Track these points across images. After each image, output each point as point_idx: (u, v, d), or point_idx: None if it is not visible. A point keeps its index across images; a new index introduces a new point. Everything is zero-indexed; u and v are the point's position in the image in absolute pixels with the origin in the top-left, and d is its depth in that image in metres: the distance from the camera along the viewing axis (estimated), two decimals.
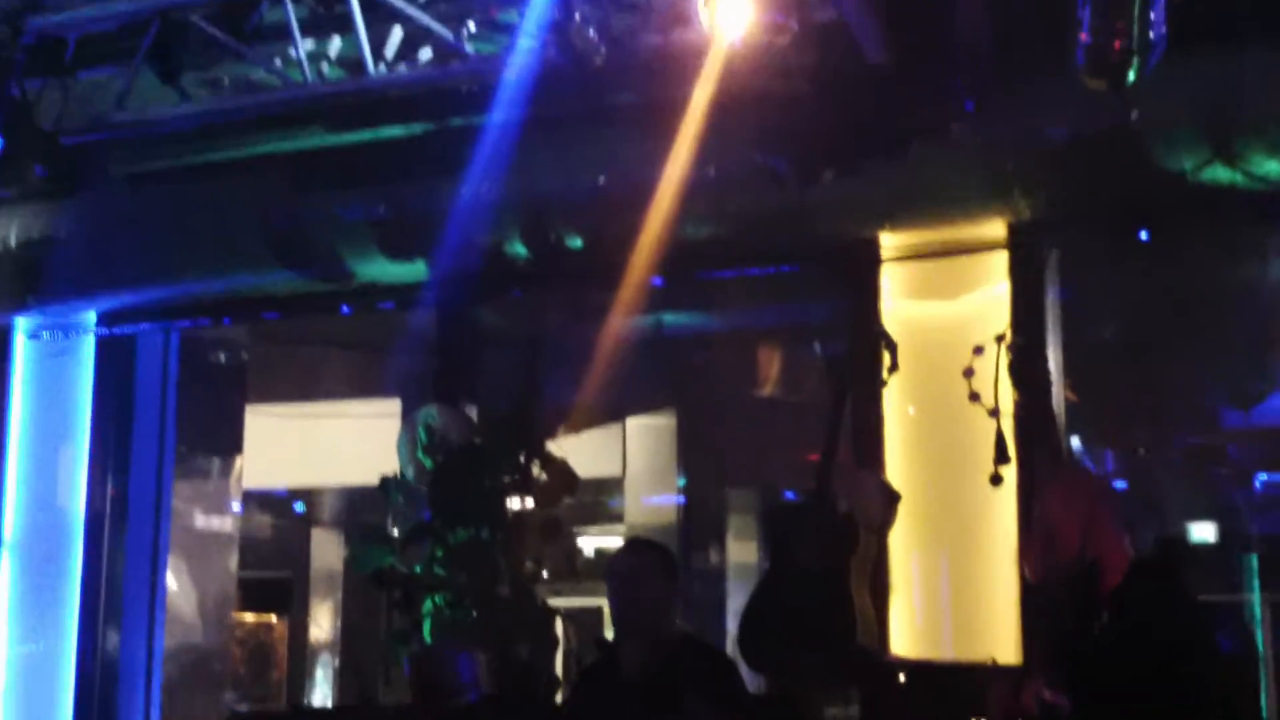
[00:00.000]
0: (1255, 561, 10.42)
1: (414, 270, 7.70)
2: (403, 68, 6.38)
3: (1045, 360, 6.81)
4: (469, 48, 6.23)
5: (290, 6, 6.24)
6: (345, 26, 6.31)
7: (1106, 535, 4.87)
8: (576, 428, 10.18)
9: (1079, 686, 4.79)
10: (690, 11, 5.53)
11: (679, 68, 5.85)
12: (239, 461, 10.12)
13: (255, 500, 13.62)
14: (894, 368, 6.68)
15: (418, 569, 7.99)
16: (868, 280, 7.24)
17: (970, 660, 6.48)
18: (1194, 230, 6.95)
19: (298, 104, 6.53)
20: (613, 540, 12.66)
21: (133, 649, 8.94)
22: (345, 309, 8.37)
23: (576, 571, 12.85)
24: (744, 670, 5.70)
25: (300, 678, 14.21)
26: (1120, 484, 10.96)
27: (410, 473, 8.24)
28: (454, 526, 7.94)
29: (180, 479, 9.48)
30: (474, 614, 7.81)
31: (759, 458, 11.44)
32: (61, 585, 8.90)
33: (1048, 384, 6.72)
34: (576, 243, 7.24)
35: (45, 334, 8.94)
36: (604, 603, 5.13)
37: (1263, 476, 10.79)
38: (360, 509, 12.56)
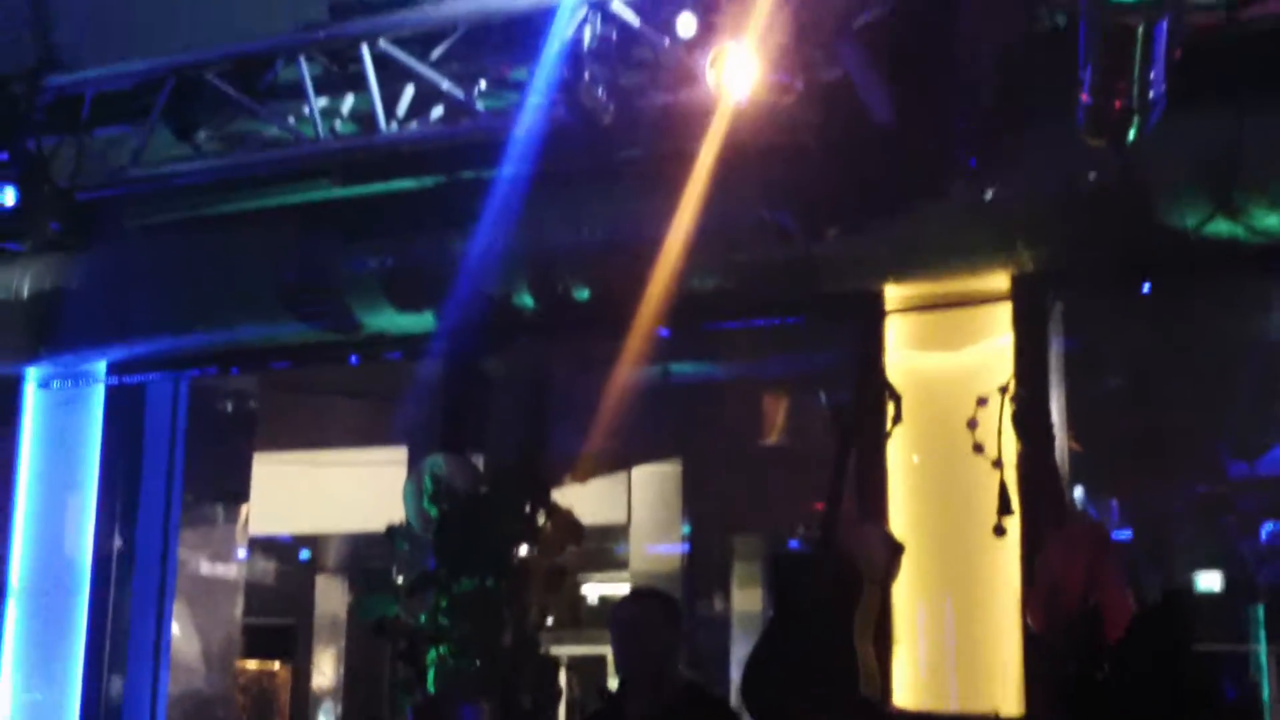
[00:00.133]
0: (1261, 612, 10.40)
1: (422, 321, 7.75)
2: (414, 125, 6.45)
3: (1048, 412, 6.83)
4: (480, 105, 6.31)
5: (305, 65, 6.33)
6: (358, 85, 6.40)
7: (1109, 586, 4.89)
8: (583, 476, 10.21)
9: None
10: (698, 70, 5.60)
11: (686, 125, 5.92)
12: (245, 509, 10.16)
13: (261, 546, 13.64)
14: (898, 419, 6.70)
15: (422, 618, 7.99)
16: (872, 331, 7.28)
17: (974, 712, 6.50)
18: (1197, 283, 6.98)
19: (310, 160, 6.60)
20: (617, 587, 12.68)
21: (137, 696, 8.96)
22: (353, 359, 8.42)
23: (580, 619, 12.90)
24: None
25: None
26: (1125, 533, 10.99)
27: (416, 522, 8.25)
28: (459, 576, 7.94)
29: (187, 526, 9.51)
30: (478, 664, 7.80)
31: (764, 506, 11.46)
32: (67, 632, 8.93)
33: (1051, 435, 6.73)
34: (583, 294, 7.29)
35: (55, 383, 8.98)
36: (608, 651, 5.15)
37: (1269, 526, 10.77)
38: (366, 556, 12.59)
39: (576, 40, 5.76)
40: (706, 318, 7.69)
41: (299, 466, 11.94)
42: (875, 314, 7.28)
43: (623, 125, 5.85)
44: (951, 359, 7.13)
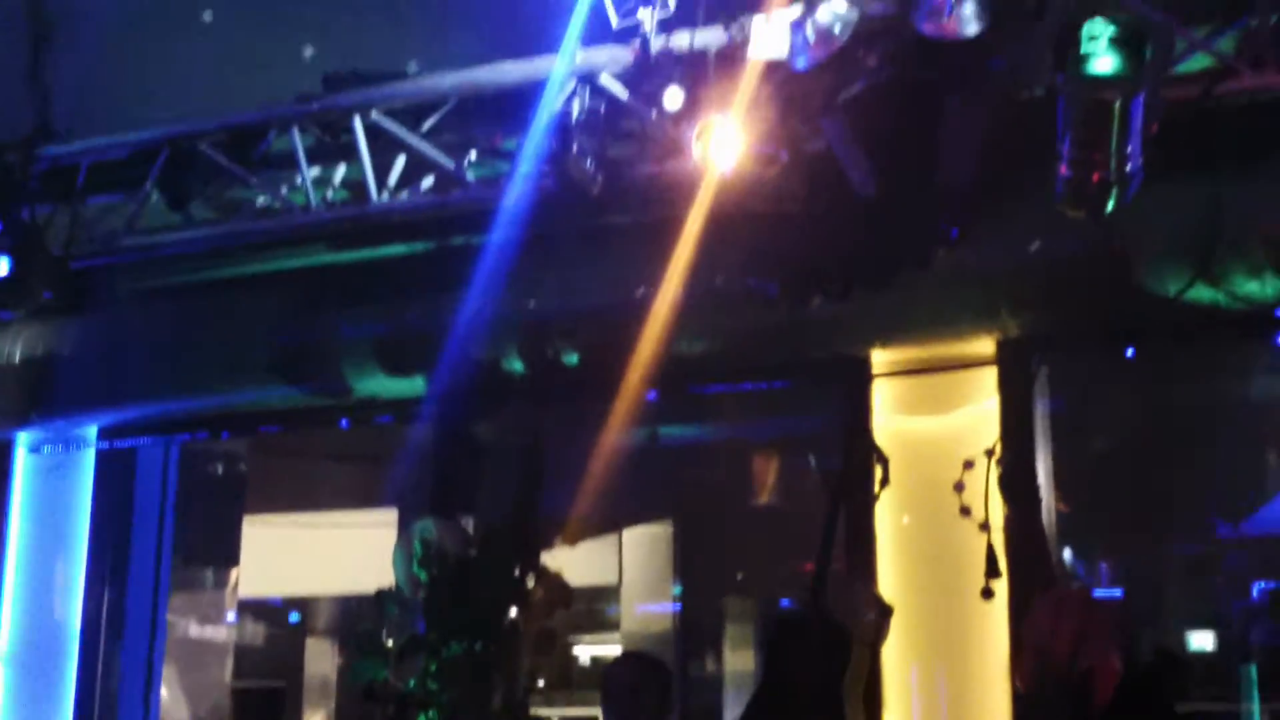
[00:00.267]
0: (1254, 671, 10.41)
1: (412, 385, 7.79)
2: (405, 194, 6.53)
3: (1034, 475, 6.90)
4: (470, 175, 6.39)
5: (298, 136, 6.41)
6: (350, 155, 6.47)
7: (1098, 650, 4.90)
8: (573, 539, 10.24)
9: None
10: (684, 142, 5.69)
11: (673, 194, 5.99)
12: (235, 573, 10.17)
13: (251, 609, 13.60)
14: (885, 482, 6.71)
15: (411, 683, 7.99)
16: (860, 395, 7.33)
17: None
18: (1181, 348, 7.04)
19: (302, 229, 6.67)
20: (609, 648, 12.67)
21: None
22: (344, 423, 8.46)
23: (571, 681, 12.86)
24: None
25: None
26: (1115, 593, 11.02)
27: (405, 585, 8.26)
28: (448, 640, 7.94)
29: (176, 590, 9.52)
30: None
31: (756, 567, 11.49)
32: (57, 695, 8.90)
33: (1037, 498, 6.79)
34: (573, 359, 7.34)
35: (46, 448, 9.01)
36: (599, 712, 5.17)
37: (1260, 585, 10.81)
38: (356, 618, 12.56)
39: (565, 112, 5.86)
40: (695, 381, 7.74)
41: (290, 528, 11.96)
42: (862, 378, 7.33)
43: (611, 195, 5.93)
44: (938, 422, 7.18)
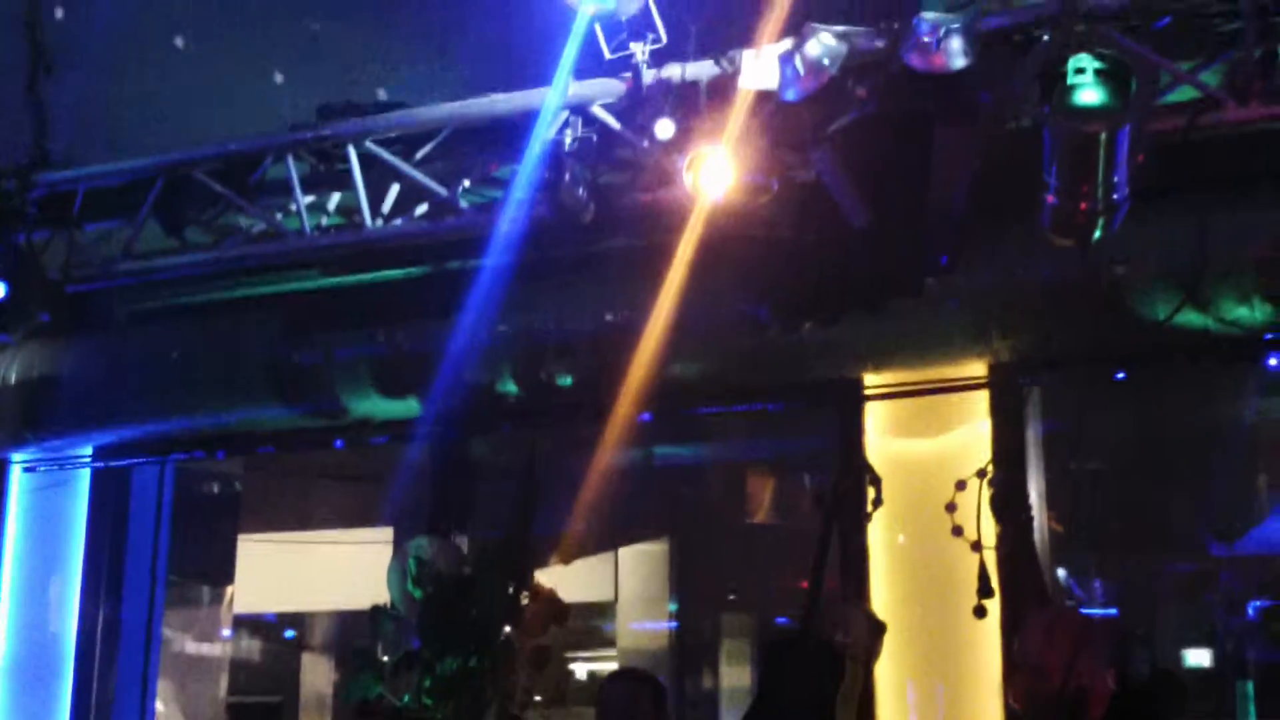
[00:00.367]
0: (1251, 688, 10.45)
1: (407, 407, 7.82)
2: (399, 221, 6.57)
3: (1026, 495, 6.94)
4: (463, 202, 6.44)
5: (292, 164, 6.46)
6: (344, 182, 6.52)
7: (1090, 669, 4.95)
8: (570, 557, 10.28)
9: None
10: (676, 171, 5.74)
11: (665, 221, 6.05)
12: (230, 590, 10.22)
13: (248, 625, 13.65)
14: (878, 502, 6.78)
15: (406, 698, 8.03)
16: (853, 417, 7.38)
17: None
18: (1172, 372, 7.09)
19: (296, 254, 6.71)
20: (605, 665, 12.71)
21: None
22: (339, 443, 8.50)
23: (568, 697, 12.89)
24: None
25: None
26: (1110, 611, 11.06)
27: (400, 603, 8.30)
28: (443, 656, 7.98)
29: (172, 607, 9.57)
30: None
31: (751, 584, 11.53)
32: (52, 710, 8.92)
33: (1029, 518, 6.84)
34: (567, 380, 7.38)
35: (42, 467, 9.04)
36: None
37: (1256, 603, 10.85)
38: (352, 634, 12.60)
39: (558, 141, 5.91)
40: (689, 403, 7.78)
41: (286, 546, 11.99)
42: (855, 400, 7.38)
43: (603, 221, 5.99)
44: (930, 444, 7.23)
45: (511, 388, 7.50)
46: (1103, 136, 5.09)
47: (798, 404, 7.71)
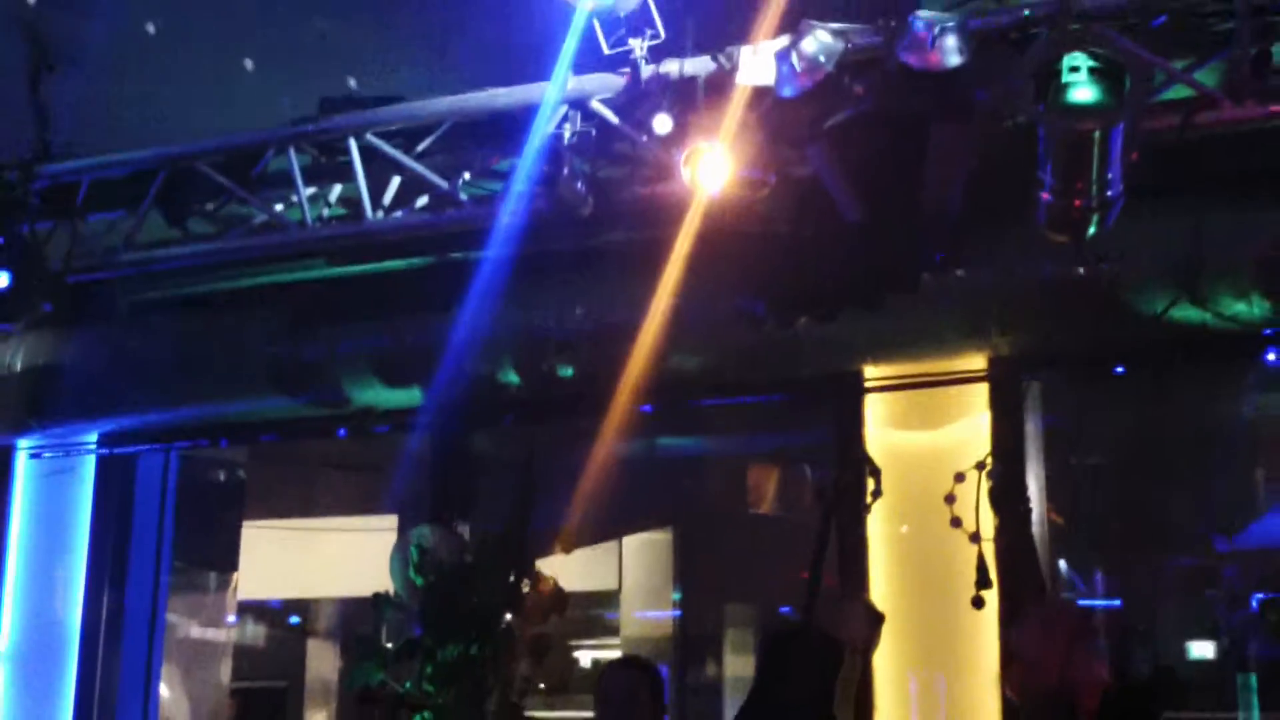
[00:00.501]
0: (1254, 681, 10.47)
1: (409, 396, 7.88)
2: (400, 213, 6.62)
3: (1025, 488, 6.97)
4: (463, 195, 6.48)
5: (294, 157, 6.50)
6: (346, 175, 6.56)
7: (1084, 661, 5.01)
8: (573, 546, 10.32)
9: None
10: (674, 166, 5.78)
11: (664, 215, 6.08)
12: (234, 576, 10.27)
13: (254, 611, 13.72)
14: (878, 494, 6.79)
15: (408, 684, 8.09)
16: (853, 410, 7.42)
17: None
18: (1171, 367, 7.11)
19: (298, 245, 6.76)
20: (609, 653, 12.75)
21: None
22: (342, 432, 8.55)
23: (571, 685, 12.94)
24: None
25: None
26: (1114, 604, 11.10)
27: (403, 590, 8.36)
28: (444, 643, 8.04)
29: (176, 593, 9.62)
30: None
31: (755, 574, 11.56)
32: (56, 695, 8.99)
33: (1027, 511, 6.86)
34: (568, 372, 7.42)
35: (47, 454, 9.10)
36: None
37: (1259, 597, 10.87)
38: (357, 620, 12.67)
39: (557, 136, 5.95)
40: (690, 395, 7.82)
41: (293, 533, 12.06)
42: (856, 393, 7.42)
43: (602, 215, 6.03)
44: (930, 436, 7.28)
45: (513, 379, 7.55)
46: (1096, 134, 5.12)
47: (798, 396, 7.75)
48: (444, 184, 6.46)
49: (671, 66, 5.96)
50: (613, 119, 6.03)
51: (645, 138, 5.94)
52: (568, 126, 5.99)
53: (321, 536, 12.22)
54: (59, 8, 6.03)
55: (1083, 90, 5.15)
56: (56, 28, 6.09)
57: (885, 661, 6.99)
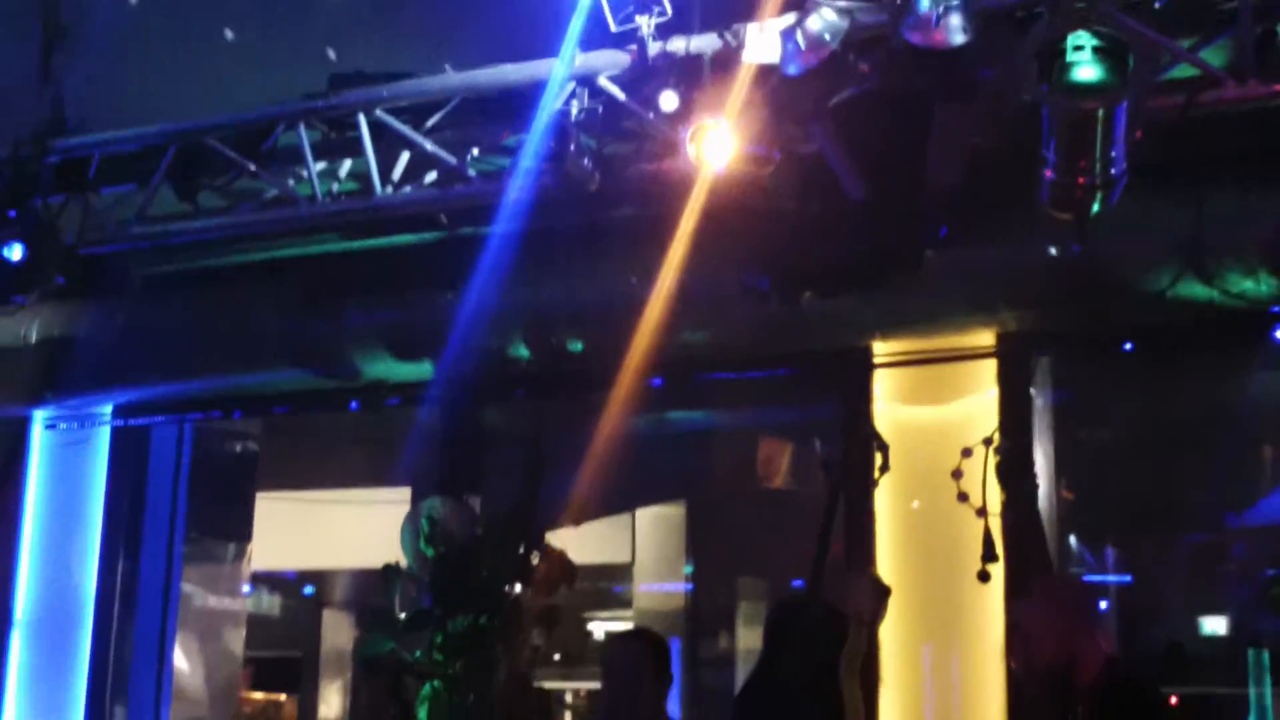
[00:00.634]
0: (1267, 657, 10.50)
1: (420, 370, 7.93)
2: (409, 188, 6.66)
3: (1032, 463, 7.01)
4: (471, 170, 6.52)
5: (304, 132, 6.54)
6: (355, 150, 6.60)
7: (1084, 634, 5.07)
8: (584, 519, 10.38)
9: None
10: (680, 142, 5.82)
11: (671, 192, 6.12)
12: (247, 547, 10.35)
13: (269, 582, 13.84)
14: (885, 468, 6.81)
15: (418, 654, 8.18)
16: (861, 385, 7.44)
17: None
18: (1179, 344, 7.13)
19: (308, 220, 6.81)
20: (622, 625, 12.84)
21: None
22: (354, 404, 8.60)
23: (586, 656, 13.03)
24: None
25: None
26: (1124, 579, 11.14)
27: (413, 562, 8.43)
28: (454, 614, 8.12)
29: (191, 563, 9.70)
30: (471, 698, 7.97)
31: (767, 548, 11.60)
32: (72, 663, 9.06)
33: (1034, 486, 6.91)
34: (577, 346, 7.47)
35: (62, 425, 9.16)
36: None
37: (1269, 572, 10.90)
38: (372, 592, 12.77)
39: (564, 112, 5.98)
40: (699, 370, 7.86)
41: (308, 505, 12.14)
42: (864, 368, 7.45)
43: (608, 191, 6.07)
44: (938, 411, 7.30)
45: (523, 352, 7.60)
46: (1100, 113, 5.14)
47: (807, 371, 7.78)
48: (453, 160, 6.50)
49: (678, 44, 5.99)
50: (620, 96, 6.07)
51: (652, 114, 5.97)
52: (575, 103, 6.02)
53: (335, 508, 12.31)
54: None
55: (1086, 69, 5.16)
56: (68, 4, 6.14)
57: (891, 634, 7.02)
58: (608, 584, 13.59)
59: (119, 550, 9.09)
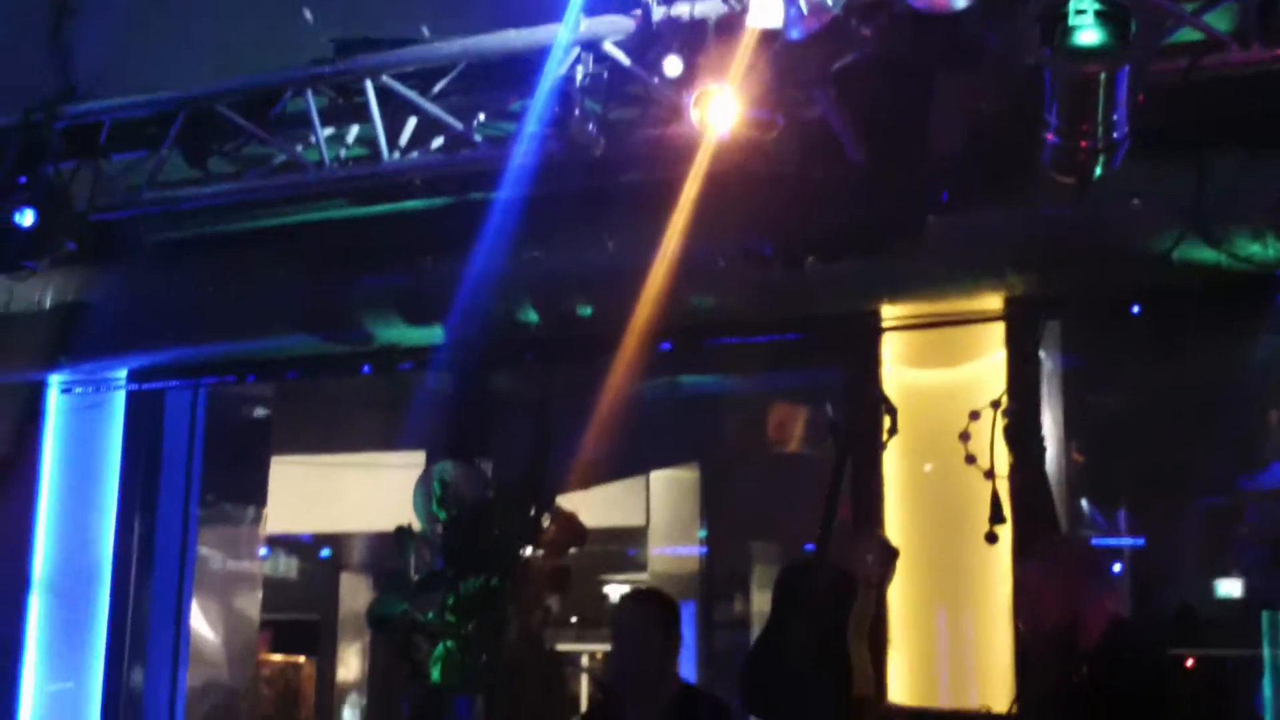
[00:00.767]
0: None
1: (431, 334, 7.98)
2: (416, 154, 6.68)
3: (1039, 425, 7.02)
4: (478, 136, 6.55)
5: (311, 98, 6.57)
6: (363, 116, 6.63)
7: (1086, 598, 5.11)
8: (591, 482, 10.43)
9: None
10: (684, 107, 5.83)
11: (675, 157, 6.14)
12: (263, 510, 10.43)
13: (287, 545, 13.93)
14: (893, 431, 6.87)
15: (430, 615, 8.27)
16: (869, 348, 7.49)
17: (965, 709, 6.70)
18: (1189, 307, 7.14)
19: (316, 186, 6.85)
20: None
21: (156, 686, 9.21)
22: (366, 369, 8.67)
23: (602, 618, 13.09)
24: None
25: (327, 718, 14.45)
26: (1137, 542, 11.14)
27: (425, 524, 8.51)
28: (465, 575, 8.20)
29: (207, 526, 9.78)
30: (484, 658, 8.06)
31: (781, 511, 11.63)
32: (90, 625, 9.18)
33: (1042, 449, 6.91)
34: (586, 311, 7.51)
35: (78, 389, 9.25)
36: None
37: None
38: (387, 555, 12.86)
39: (569, 78, 6.00)
40: (707, 334, 7.90)
41: (323, 468, 12.21)
42: (872, 331, 7.49)
43: (614, 156, 6.09)
44: (946, 374, 7.35)
45: (532, 317, 7.65)
46: (1102, 77, 5.15)
47: (815, 336, 7.81)
48: (459, 125, 6.52)
49: (682, 9, 6.00)
50: (624, 61, 6.08)
51: (656, 79, 5.99)
52: (580, 68, 6.03)
53: (350, 472, 12.37)
54: None
55: (1088, 33, 5.16)
56: None
57: (899, 596, 7.08)
58: (622, 547, 13.63)
59: (135, 513, 9.19)
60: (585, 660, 14.45)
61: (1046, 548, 5.47)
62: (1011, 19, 5.32)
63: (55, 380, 9.26)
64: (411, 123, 6.70)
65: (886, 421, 6.87)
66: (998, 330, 7.28)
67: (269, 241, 8.06)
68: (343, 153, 6.93)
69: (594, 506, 8.96)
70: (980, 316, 7.28)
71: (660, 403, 10.02)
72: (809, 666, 6.24)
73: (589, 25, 6.20)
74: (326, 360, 8.61)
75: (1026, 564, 5.60)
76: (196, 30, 6.36)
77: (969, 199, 6.11)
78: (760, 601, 12.50)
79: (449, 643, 8.07)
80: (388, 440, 11.49)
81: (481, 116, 6.55)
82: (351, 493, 12.52)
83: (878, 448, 7.05)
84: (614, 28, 6.18)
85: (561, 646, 11.55)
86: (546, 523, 8.38)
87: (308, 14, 6.19)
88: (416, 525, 8.55)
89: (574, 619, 13.40)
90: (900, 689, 7.08)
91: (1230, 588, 11.24)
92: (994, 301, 7.21)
